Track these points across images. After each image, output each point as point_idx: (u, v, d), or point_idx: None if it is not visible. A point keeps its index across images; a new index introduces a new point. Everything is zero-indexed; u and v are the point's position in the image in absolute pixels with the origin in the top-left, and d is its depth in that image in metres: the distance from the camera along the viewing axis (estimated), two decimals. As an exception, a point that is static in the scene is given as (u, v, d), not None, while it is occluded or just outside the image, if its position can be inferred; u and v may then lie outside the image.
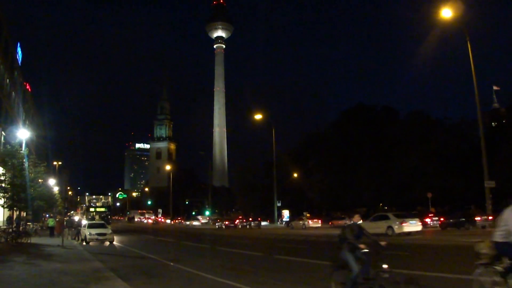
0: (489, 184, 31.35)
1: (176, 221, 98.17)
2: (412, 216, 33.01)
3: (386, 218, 30.99)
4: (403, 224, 29.43)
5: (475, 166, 39.67)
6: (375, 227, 28.21)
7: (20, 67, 53.31)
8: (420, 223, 31.43)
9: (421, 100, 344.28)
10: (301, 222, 52.62)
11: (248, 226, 60.22)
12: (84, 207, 70.97)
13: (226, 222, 64.58)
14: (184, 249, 27.03)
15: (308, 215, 58.30)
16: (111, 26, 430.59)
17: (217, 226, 65.65)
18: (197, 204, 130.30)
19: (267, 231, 50.65)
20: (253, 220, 64.02)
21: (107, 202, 74.17)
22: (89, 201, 71.40)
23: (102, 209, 67.77)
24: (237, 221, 64.45)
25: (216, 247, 26.27)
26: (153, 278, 13.71)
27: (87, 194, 67.00)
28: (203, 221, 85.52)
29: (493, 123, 62.86)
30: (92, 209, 66.66)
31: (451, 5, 30.13)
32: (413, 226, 29.98)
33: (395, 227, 29.29)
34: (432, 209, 46.96)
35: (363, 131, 59.86)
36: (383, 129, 58.05)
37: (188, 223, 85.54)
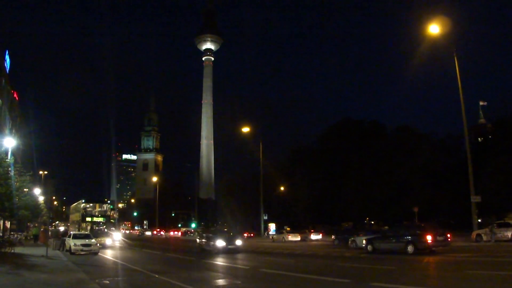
0: (475, 199, 31.62)
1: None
2: None
3: None
4: None
5: (461, 181, 39.97)
6: None
7: (8, 75, 52.84)
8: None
9: (408, 115, 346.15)
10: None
11: None
12: (78, 216, 64.97)
13: None
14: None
15: (288, 229, 57.56)
16: (100, 37, 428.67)
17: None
18: (184, 216, 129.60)
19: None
20: None
21: (106, 211, 66.36)
22: (85, 209, 64.95)
23: (100, 219, 61.82)
24: None
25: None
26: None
27: (83, 201, 61.49)
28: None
29: (479, 138, 63.43)
30: (88, 219, 60.66)
31: (438, 22, 30.58)
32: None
33: None
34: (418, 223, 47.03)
35: (350, 145, 60.14)
36: (370, 144, 58.34)
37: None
